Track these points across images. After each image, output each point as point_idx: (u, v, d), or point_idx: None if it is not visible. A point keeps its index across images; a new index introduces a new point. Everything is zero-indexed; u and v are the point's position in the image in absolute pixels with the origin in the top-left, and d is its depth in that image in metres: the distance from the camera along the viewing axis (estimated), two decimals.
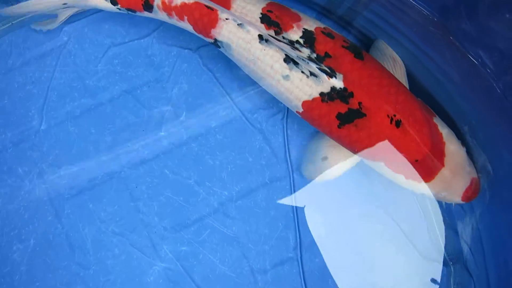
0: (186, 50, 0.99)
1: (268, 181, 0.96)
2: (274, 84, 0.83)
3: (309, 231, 0.94)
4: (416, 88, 0.88)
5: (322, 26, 0.83)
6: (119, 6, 0.89)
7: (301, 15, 0.83)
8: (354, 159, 0.88)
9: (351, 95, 0.78)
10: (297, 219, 0.94)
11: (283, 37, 0.80)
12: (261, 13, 0.82)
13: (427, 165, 0.81)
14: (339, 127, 0.81)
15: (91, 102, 0.98)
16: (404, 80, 0.89)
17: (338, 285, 0.92)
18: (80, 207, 0.94)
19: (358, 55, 0.80)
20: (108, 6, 0.90)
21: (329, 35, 0.81)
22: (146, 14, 0.89)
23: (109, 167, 0.96)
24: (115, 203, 0.94)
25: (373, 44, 0.94)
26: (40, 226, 0.94)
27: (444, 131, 0.83)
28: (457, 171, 0.82)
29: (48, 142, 0.97)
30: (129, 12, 0.89)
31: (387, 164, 0.83)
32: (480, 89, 0.80)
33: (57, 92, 0.98)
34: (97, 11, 0.98)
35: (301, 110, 0.83)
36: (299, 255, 0.93)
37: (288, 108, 0.95)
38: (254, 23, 0.81)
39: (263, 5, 0.83)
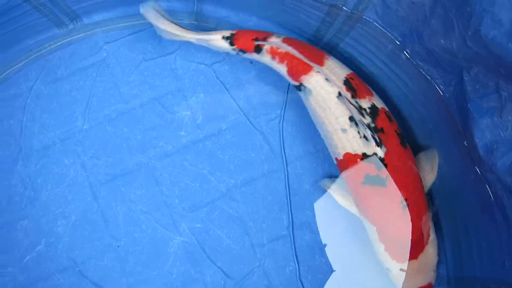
0: (202, 65, 1.21)
1: (267, 172, 1.16)
2: (331, 131, 0.97)
3: (300, 214, 1.14)
4: (385, 98, 1.10)
5: (387, 108, 0.99)
6: (234, 47, 1.05)
7: (373, 92, 1.00)
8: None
9: (385, 166, 0.93)
10: (290, 203, 1.15)
11: (356, 102, 0.95)
12: (345, 77, 0.98)
13: (406, 249, 0.93)
14: (362, 184, 0.95)
15: (124, 107, 1.20)
16: (425, 186, 1.00)
17: (325, 258, 1.12)
18: (114, 190, 1.15)
19: (403, 143, 0.96)
20: (226, 46, 1.05)
21: (389, 117, 0.97)
22: (253, 55, 1.05)
23: (138, 159, 1.17)
24: (143, 187, 1.15)
25: (429, 148, 1.06)
26: (80, 205, 1.14)
27: (432, 235, 0.96)
28: (423, 269, 0.95)
29: (89, 139, 1.18)
30: (239, 52, 1.06)
31: (378, 230, 0.96)
32: (433, 98, 1.02)
33: (97, 98, 1.20)
34: (131, 33, 1.21)
35: (340, 157, 0.97)
36: (291, 233, 1.13)
37: (284, 114, 1.17)
38: (338, 83, 0.97)
39: (348, 72, 0.99)
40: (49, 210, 1.14)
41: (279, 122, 1.19)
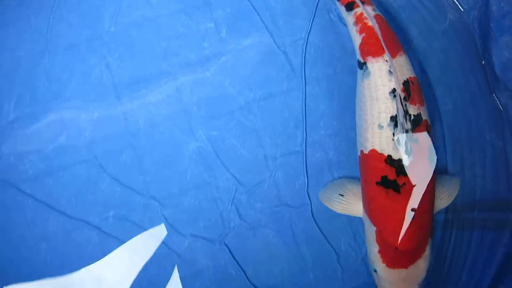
0: None
1: (286, 90, 1.20)
2: (368, 123, 0.97)
3: (313, 133, 1.19)
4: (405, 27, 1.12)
5: (429, 122, 0.98)
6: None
7: (424, 103, 0.99)
8: (359, 212, 1.04)
9: (405, 174, 0.92)
10: (305, 121, 1.19)
11: (405, 105, 0.94)
12: (407, 78, 0.97)
13: (398, 257, 0.93)
14: (376, 184, 0.95)
15: (152, 14, 1.22)
16: (436, 208, 1.00)
17: (332, 176, 1.17)
18: (136, 93, 1.18)
19: None
20: None
21: (428, 131, 0.96)
22: (342, 8, 1.10)
23: (161, 65, 1.20)
24: (164, 93, 1.18)
25: (455, 177, 1.06)
26: (103, 104, 1.17)
27: (428, 250, 0.95)
28: (408, 281, 0.94)
29: (115, 42, 1.21)
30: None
31: (377, 231, 0.95)
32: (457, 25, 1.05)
33: (126, 3, 1.23)
34: None
35: (366, 152, 0.98)
36: (304, 149, 1.18)
37: (308, 37, 1.20)
38: (398, 80, 0.96)
39: (412, 75, 0.99)
40: (72, 105, 1.17)
41: (303, 44, 1.22)
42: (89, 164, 1.15)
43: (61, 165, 1.15)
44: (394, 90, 0.95)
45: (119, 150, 1.16)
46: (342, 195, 1.05)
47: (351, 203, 1.04)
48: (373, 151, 0.96)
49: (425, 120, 0.96)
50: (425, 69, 1.16)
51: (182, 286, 1.10)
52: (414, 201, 0.91)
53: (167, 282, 1.10)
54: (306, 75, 1.21)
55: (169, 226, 1.12)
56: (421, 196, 0.92)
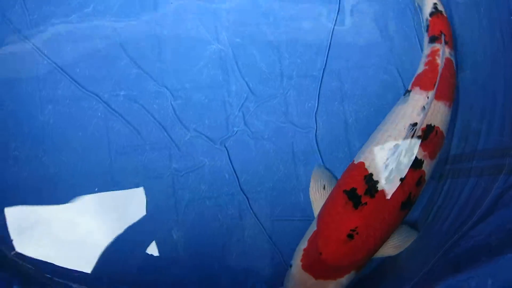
0: None
1: (317, 15, 1.21)
2: (376, 141, 0.98)
3: (334, 61, 1.19)
4: None
5: (425, 178, 0.96)
6: (429, 18, 1.12)
7: (434, 161, 0.97)
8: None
9: (372, 196, 0.91)
10: (329, 49, 1.20)
11: (414, 143, 0.94)
12: (434, 125, 0.96)
13: (316, 264, 0.92)
14: (343, 191, 0.94)
15: None
16: (381, 253, 0.99)
17: (343, 107, 1.18)
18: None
19: (403, 207, 0.93)
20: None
21: (419, 182, 0.95)
22: (426, 35, 1.11)
23: None
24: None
25: (412, 229, 1.04)
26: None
27: (346, 280, 0.93)
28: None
29: None
30: (429, 19, 1.11)
31: (315, 232, 0.95)
32: None
33: None
34: None
35: (356, 162, 0.97)
36: (321, 75, 1.19)
37: None
38: (422, 122, 0.95)
39: (441, 127, 0.98)
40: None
41: None
42: (111, 41, 1.16)
43: (82, 34, 1.15)
44: (415, 124, 0.95)
45: (143, 34, 1.17)
46: (324, 189, 1.05)
47: (321, 200, 1.03)
48: (361, 163, 0.96)
49: (423, 171, 0.95)
50: None
51: (176, 178, 1.11)
52: (364, 224, 0.91)
53: (162, 171, 1.11)
54: (340, 4, 1.21)
55: (175, 117, 1.13)
56: (373, 224, 0.91)
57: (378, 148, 0.96)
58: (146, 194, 1.10)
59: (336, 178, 1.11)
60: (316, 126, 1.16)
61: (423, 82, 1.02)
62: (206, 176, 1.13)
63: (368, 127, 1.09)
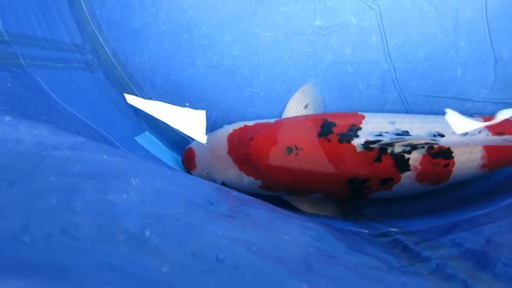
0: None
1: None
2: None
3: None
4: None
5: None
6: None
7: None
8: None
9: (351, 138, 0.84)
10: None
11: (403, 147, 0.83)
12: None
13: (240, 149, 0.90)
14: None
15: None
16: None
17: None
18: None
19: None
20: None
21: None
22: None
23: None
24: None
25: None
26: None
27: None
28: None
29: None
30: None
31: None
32: None
33: None
34: None
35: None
36: None
37: None
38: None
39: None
40: None
41: None
42: None
43: None
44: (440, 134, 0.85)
45: None
46: (305, 108, 0.99)
47: (293, 113, 0.99)
48: (360, 117, 0.89)
49: (399, 176, 0.85)
50: None
51: (318, 36, 1.01)
52: (310, 152, 0.85)
53: (304, 26, 1.01)
54: None
55: None
56: (316, 161, 0.85)
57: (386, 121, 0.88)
58: (284, 50, 1.02)
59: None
60: None
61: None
62: (351, 37, 1.01)
63: None
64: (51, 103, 0.67)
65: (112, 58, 1.05)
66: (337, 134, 0.86)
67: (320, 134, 0.87)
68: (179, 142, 1.06)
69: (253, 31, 1.03)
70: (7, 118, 0.39)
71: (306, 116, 0.96)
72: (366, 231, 0.78)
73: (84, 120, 0.73)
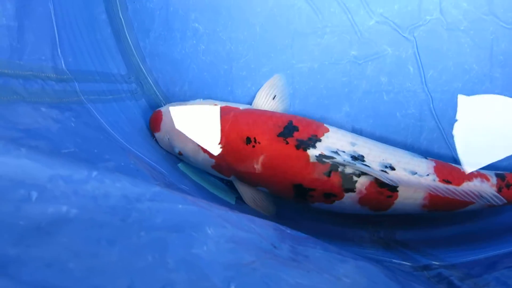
0: None
1: None
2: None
3: None
4: None
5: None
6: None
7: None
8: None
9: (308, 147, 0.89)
10: None
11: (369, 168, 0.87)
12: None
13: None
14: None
15: None
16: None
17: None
18: None
19: None
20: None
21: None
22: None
23: None
24: None
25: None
26: None
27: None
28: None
29: None
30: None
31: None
32: None
33: None
34: None
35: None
36: None
37: None
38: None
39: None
40: None
41: None
42: None
43: None
44: (391, 167, 0.89)
45: None
46: (273, 99, 1.02)
47: (262, 105, 1.02)
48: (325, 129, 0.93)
49: (350, 195, 0.89)
50: None
51: (354, 66, 1.03)
52: (267, 147, 0.89)
53: (340, 56, 1.03)
54: None
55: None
56: (272, 155, 0.89)
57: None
58: (319, 80, 1.04)
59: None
60: None
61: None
62: (388, 67, 1.03)
63: None
64: (109, 138, 0.71)
65: (154, 87, 1.09)
66: (297, 140, 0.90)
67: (281, 135, 0.91)
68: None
69: (290, 62, 1.06)
70: (94, 173, 0.41)
71: (273, 113, 0.98)
72: (409, 263, 0.80)
73: (137, 154, 0.77)
